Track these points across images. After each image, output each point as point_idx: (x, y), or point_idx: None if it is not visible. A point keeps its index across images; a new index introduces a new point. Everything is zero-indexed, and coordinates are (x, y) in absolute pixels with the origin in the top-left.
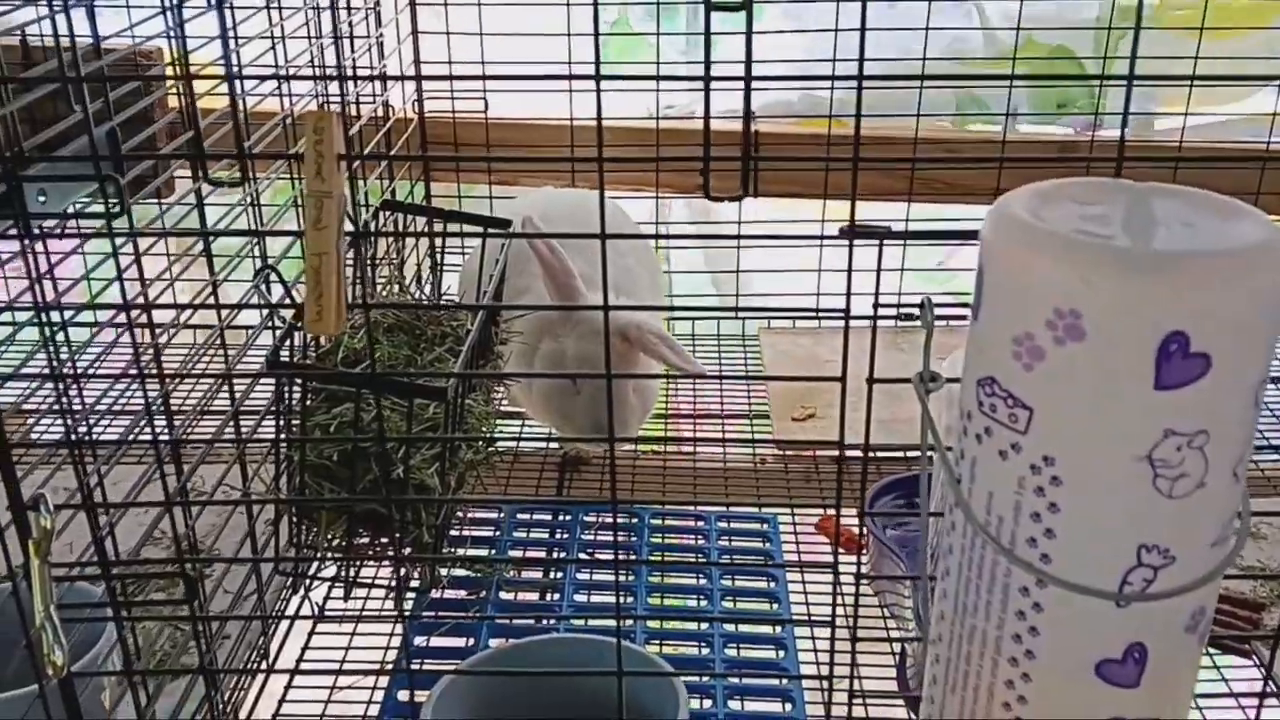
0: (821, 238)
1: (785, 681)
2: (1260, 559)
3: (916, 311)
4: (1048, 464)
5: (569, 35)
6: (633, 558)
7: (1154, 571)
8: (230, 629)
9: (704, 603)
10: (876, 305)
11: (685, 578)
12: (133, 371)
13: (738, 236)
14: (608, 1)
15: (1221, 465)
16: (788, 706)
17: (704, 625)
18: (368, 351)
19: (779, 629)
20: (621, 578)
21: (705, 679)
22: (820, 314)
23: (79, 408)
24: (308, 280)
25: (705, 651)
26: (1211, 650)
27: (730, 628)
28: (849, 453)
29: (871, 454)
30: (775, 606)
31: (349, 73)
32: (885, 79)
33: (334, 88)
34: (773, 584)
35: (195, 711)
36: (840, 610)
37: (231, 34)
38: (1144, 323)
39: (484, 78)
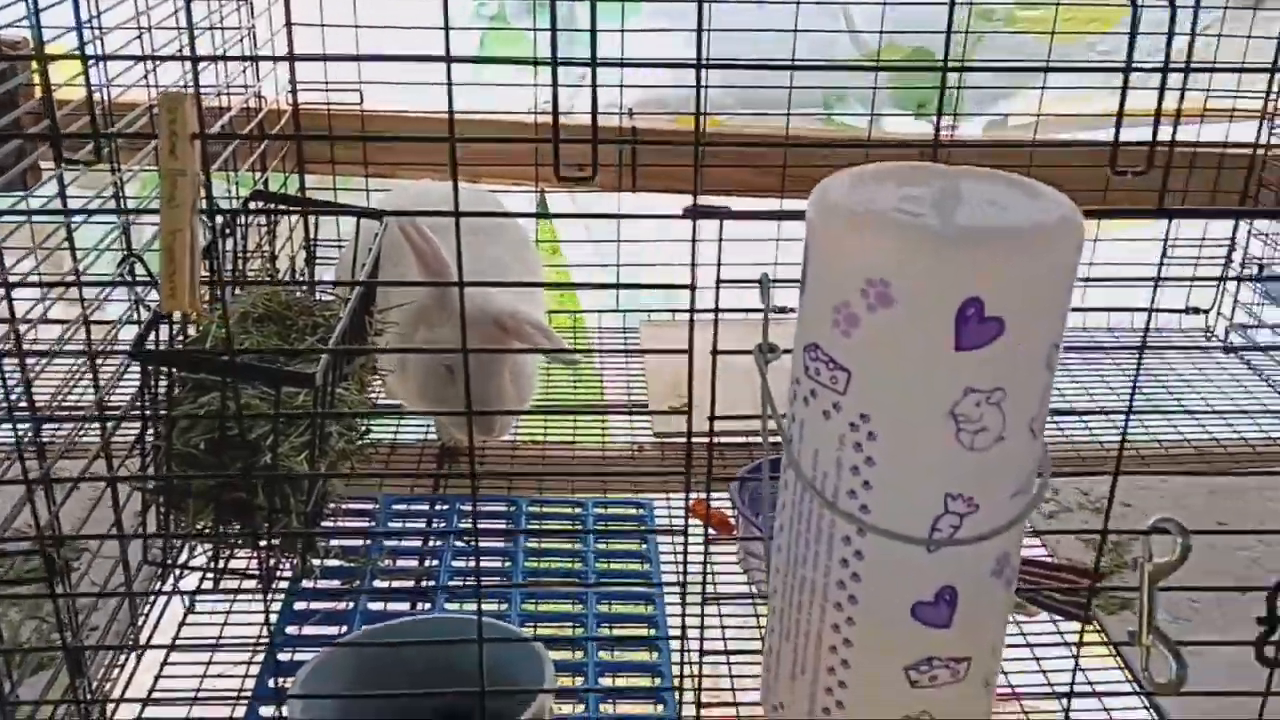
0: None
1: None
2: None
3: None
4: (864, 421)
5: (445, 29)
6: (507, 544)
7: (960, 519)
8: (97, 620)
9: (580, 605)
10: (719, 283)
11: (563, 564)
12: None
13: (584, 215)
14: None
15: (1018, 421)
16: (657, 681)
17: (578, 606)
18: (232, 339)
19: (650, 607)
20: (499, 565)
21: (578, 655)
22: (667, 286)
23: None
24: (162, 258)
25: (580, 631)
26: (1056, 618)
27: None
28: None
29: (741, 437)
30: (650, 608)
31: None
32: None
33: (203, 76)
34: (645, 565)
35: (62, 696)
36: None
37: (94, 21)
38: (943, 289)
39: (358, 58)
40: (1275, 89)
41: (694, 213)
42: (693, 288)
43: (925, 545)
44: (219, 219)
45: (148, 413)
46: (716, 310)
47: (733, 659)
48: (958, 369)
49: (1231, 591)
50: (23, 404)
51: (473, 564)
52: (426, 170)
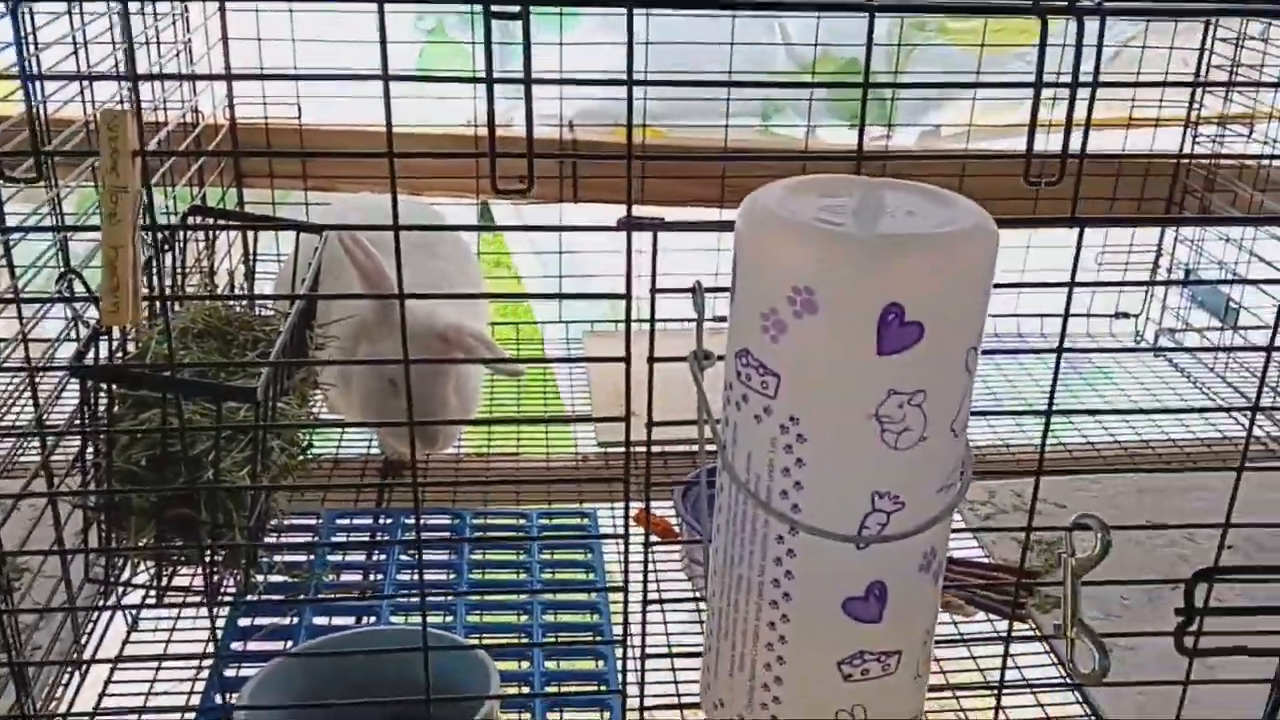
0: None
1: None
2: (1038, 533)
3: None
4: (794, 423)
5: (382, 42)
6: (452, 556)
7: (887, 516)
8: (40, 639)
9: (525, 615)
10: (654, 291)
11: (507, 576)
12: None
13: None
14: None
15: (940, 421)
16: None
17: (523, 617)
18: (178, 354)
19: (595, 616)
20: (444, 578)
21: (524, 665)
22: (603, 296)
23: None
24: (104, 273)
25: (525, 639)
26: (993, 617)
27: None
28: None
29: (685, 445)
30: (595, 617)
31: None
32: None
33: (140, 91)
34: (590, 575)
35: (8, 713)
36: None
37: (30, 37)
38: (865, 296)
39: (296, 77)
40: (1197, 99)
41: (629, 224)
42: (628, 297)
43: (855, 542)
44: (159, 235)
45: (87, 429)
46: (653, 320)
47: (677, 662)
48: (880, 372)
49: (1162, 587)
50: None
51: (417, 578)
52: (366, 184)
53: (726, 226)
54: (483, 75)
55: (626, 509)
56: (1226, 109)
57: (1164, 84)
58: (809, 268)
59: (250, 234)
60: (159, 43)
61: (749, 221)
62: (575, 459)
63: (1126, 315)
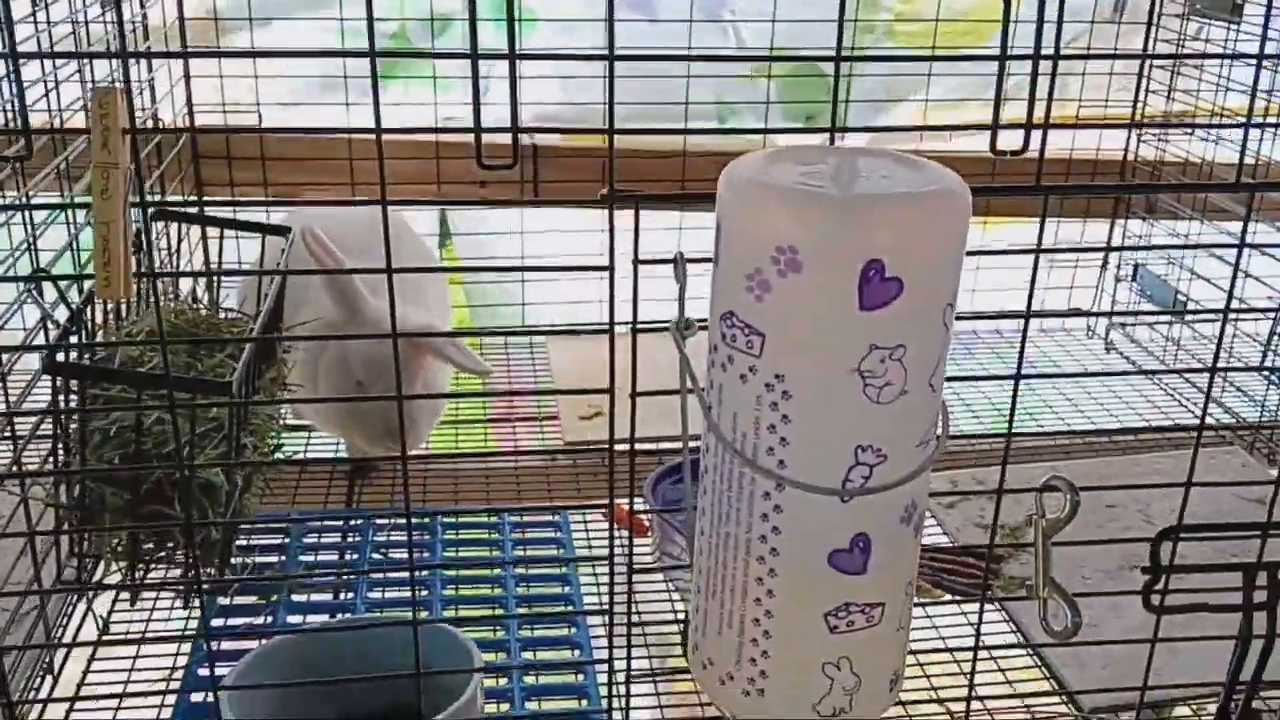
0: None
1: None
2: (1002, 519)
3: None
4: (779, 381)
5: (343, 55)
6: (428, 558)
7: (870, 469)
8: (12, 641)
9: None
10: (636, 261)
11: (481, 585)
12: None
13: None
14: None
15: (919, 376)
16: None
17: (500, 632)
18: (145, 355)
19: (573, 629)
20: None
21: (502, 681)
22: (585, 269)
23: None
24: (95, 248)
25: (501, 634)
26: (958, 598)
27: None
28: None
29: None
30: (566, 588)
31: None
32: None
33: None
34: (565, 577)
35: None
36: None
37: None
38: (847, 253)
39: (253, 55)
40: (1141, 98)
41: (610, 197)
42: (610, 269)
43: (840, 495)
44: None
45: (61, 427)
46: (635, 288)
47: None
48: (863, 327)
49: (1122, 567)
50: None
51: (389, 576)
52: (327, 189)
53: (703, 199)
54: (467, 51)
55: (612, 509)
56: (1169, 107)
57: (1114, 55)
58: (793, 228)
59: (214, 238)
60: (135, 55)
61: (732, 188)
62: (544, 458)
63: (1079, 312)
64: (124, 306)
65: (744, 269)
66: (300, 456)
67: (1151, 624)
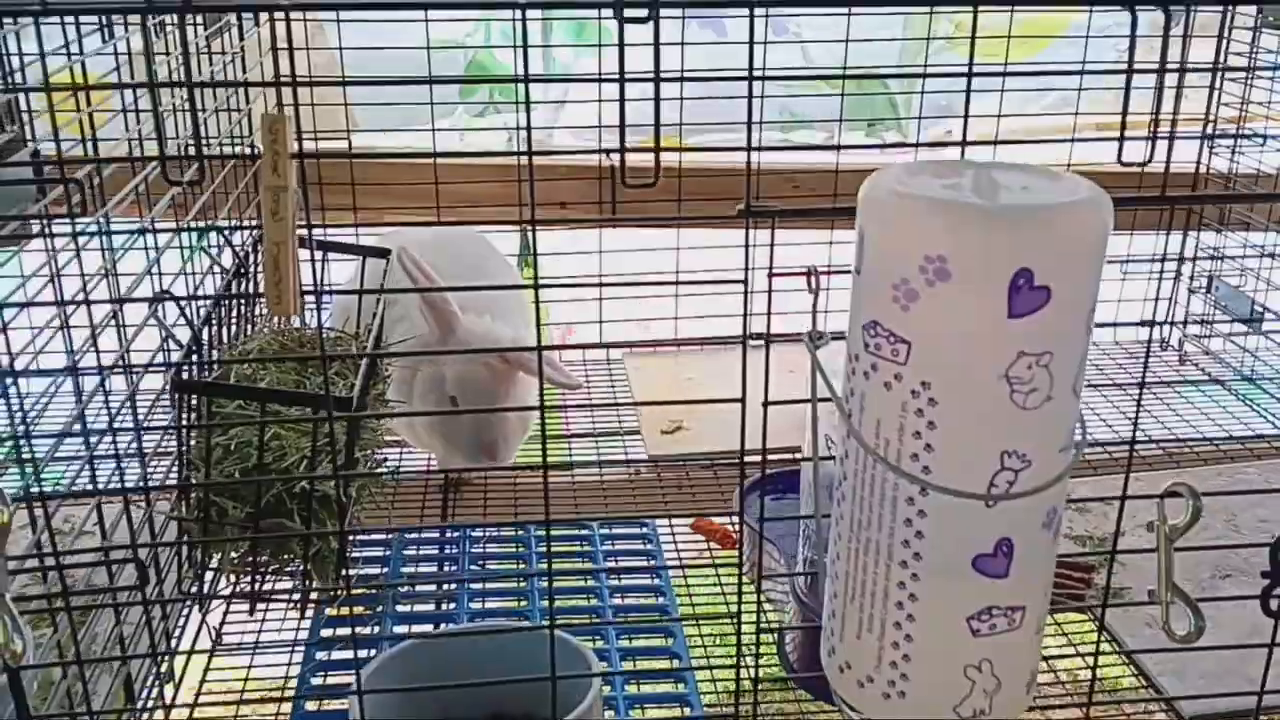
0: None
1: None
2: (1087, 529)
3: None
4: (925, 388)
5: (430, 81)
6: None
7: (1015, 474)
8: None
9: (596, 618)
10: (771, 274)
11: (576, 595)
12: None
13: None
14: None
15: (1064, 381)
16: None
17: (599, 641)
18: (258, 374)
19: (670, 640)
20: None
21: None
22: (727, 282)
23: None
24: (266, 267)
25: (600, 644)
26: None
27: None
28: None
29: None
30: (661, 599)
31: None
32: None
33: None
34: (658, 585)
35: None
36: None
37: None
38: (998, 262)
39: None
40: (1213, 111)
41: (748, 213)
42: (746, 284)
43: (985, 500)
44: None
45: (191, 443)
46: (769, 304)
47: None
48: (1011, 335)
49: (1219, 581)
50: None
51: (487, 588)
52: (415, 213)
53: (841, 213)
54: (612, 76)
55: (743, 519)
56: (1243, 118)
57: (1223, 69)
58: (942, 237)
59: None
60: (221, 84)
61: (876, 199)
62: (629, 473)
63: (1154, 323)
64: (228, 328)
65: (890, 278)
66: (393, 470)
67: (1256, 631)
